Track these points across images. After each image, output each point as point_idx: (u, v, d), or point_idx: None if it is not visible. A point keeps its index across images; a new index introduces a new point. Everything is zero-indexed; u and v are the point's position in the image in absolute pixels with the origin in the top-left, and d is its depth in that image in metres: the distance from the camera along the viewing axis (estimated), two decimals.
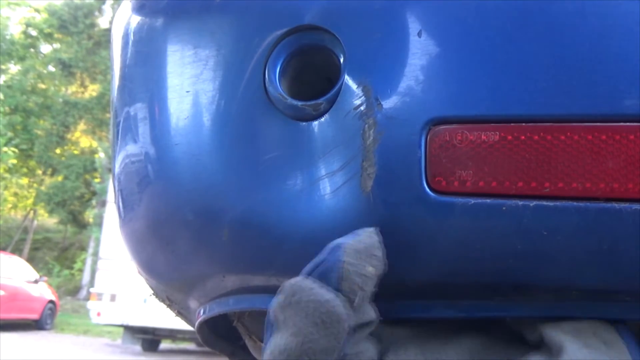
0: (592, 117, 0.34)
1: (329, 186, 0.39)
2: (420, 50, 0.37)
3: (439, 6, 0.38)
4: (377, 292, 0.42)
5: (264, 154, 0.42)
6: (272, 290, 0.46)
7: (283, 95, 0.41)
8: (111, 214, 8.21)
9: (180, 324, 6.97)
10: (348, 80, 0.39)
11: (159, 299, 0.64)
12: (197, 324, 0.57)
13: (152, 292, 0.63)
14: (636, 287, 0.31)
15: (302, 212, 0.40)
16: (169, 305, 0.63)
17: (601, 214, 0.33)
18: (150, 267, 0.55)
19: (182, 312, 0.62)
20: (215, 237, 0.44)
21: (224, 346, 0.66)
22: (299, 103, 0.41)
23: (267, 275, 0.44)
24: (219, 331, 0.62)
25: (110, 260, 8.21)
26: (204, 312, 0.54)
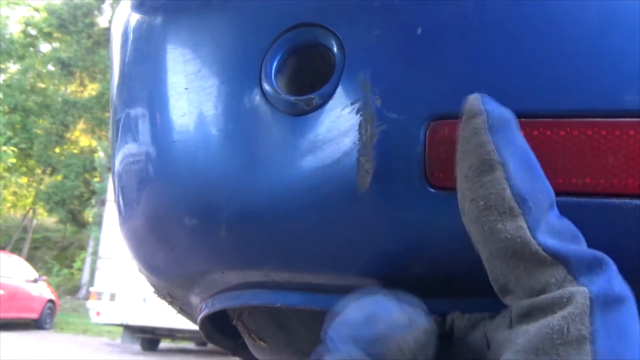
0: (592, 113, 0.34)
1: (325, 182, 0.39)
2: (419, 46, 0.37)
3: (438, 2, 0.38)
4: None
5: (260, 151, 0.42)
6: (271, 287, 0.46)
7: (277, 91, 0.41)
8: (111, 213, 8.20)
9: (179, 323, 6.98)
10: (345, 75, 0.39)
11: (160, 296, 0.64)
12: (199, 319, 0.57)
13: (153, 289, 0.63)
14: (635, 283, 0.31)
15: (298, 209, 0.40)
16: (170, 302, 0.63)
17: (601, 210, 0.33)
18: (151, 264, 0.55)
19: (184, 308, 0.62)
20: (213, 233, 0.44)
21: (227, 343, 0.66)
22: (292, 98, 0.41)
23: (266, 271, 0.44)
24: (221, 327, 0.63)
25: (109, 260, 8.21)
26: (205, 308, 0.54)
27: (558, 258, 0.28)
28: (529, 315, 0.28)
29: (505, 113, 0.31)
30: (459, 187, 0.31)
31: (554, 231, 0.29)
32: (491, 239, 0.29)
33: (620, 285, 0.28)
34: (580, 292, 0.27)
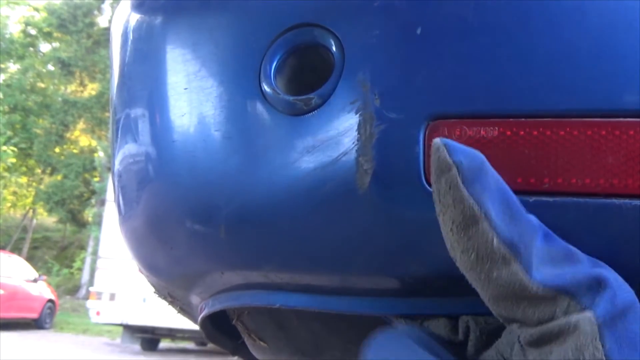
0: (592, 113, 0.34)
1: (324, 183, 0.39)
2: (418, 46, 0.37)
3: (438, 2, 0.38)
4: (367, 291, 0.42)
5: (259, 151, 0.42)
6: (271, 287, 0.46)
7: (276, 91, 0.41)
8: (110, 212, 8.21)
9: (179, 323, 6.99)
10: (345, 75, 0.39)
11: (160, 296, 0.64)
12: (199, 319, 0.57)
13: (154, 289, 0.63)
14: (636, 284, 0.31)
15: (297, 209, 0.40)
16: (170, 303, 0.63)
17: (600, 210, 0.33)
18: (150, 264, 0.55)
19: (185, 308, 0.62)
20: (212, 233, 0.44)
21: (228, 342, 0.66)
22: (291, 98, 0.41)
23: (265, 272, 0.44)
24: (222, 327, 0.63)
25: (109, 259, 8.22)
26: (205, 308, 0.54)
27: (559, 290, 0.29)
28: (539, 340, 0.29)
29: (474, 159, 0.31)
30: (446, 239, 0.32)
31: (546, 260, 0.30)
32: (489, 286, 0.30)
33: (623, 296, 0.29)
34: (586, 318, 0.28)
